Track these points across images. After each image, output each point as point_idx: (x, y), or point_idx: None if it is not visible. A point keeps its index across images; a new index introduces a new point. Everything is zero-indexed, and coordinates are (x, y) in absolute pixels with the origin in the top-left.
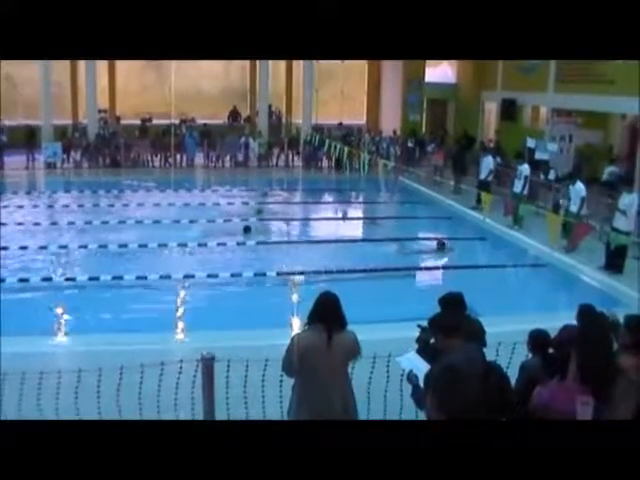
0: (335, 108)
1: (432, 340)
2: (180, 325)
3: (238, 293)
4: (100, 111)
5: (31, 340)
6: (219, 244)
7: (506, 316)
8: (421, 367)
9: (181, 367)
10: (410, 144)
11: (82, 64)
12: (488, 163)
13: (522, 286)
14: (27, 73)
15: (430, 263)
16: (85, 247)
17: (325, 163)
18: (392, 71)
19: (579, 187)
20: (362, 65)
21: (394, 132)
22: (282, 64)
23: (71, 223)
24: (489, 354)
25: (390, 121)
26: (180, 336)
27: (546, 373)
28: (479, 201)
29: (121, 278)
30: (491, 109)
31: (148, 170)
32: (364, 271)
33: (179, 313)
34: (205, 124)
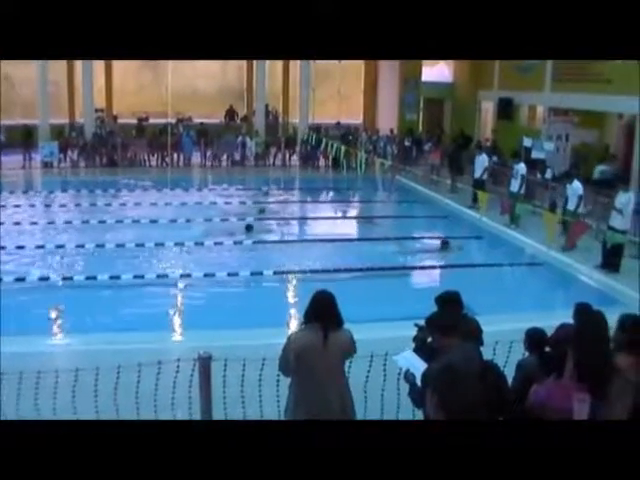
0: (332, 107)
1: (429, 339)
2: (177, 324)
3: (237, 292)
4: (97, 110)
5: (28, 340)
6: (226, 242)
7: (503, 315)
8: (418, 366)
9: (178, 366)
10: (407, 143)
11: (79, 64)
12: (482, 161)
13: (519, 285)
14: (24, 73)
15: (434, 262)
16: (82, 246)
17: (322, 162)
18: (389, 70)
19: (576, 186)
20: (359, 64)
21: (391, 131)
22: (279, 64)
23: (68, 222)
24: (486, 353)
25: (387, 120)
26: (177, 335)
27: (543, 371)
28: (475, 200)
29: (118, 278)
30: (488, 108)
31: (145, 169)
32: (367, 270)
33: (178, 313)
34: (202, 123)
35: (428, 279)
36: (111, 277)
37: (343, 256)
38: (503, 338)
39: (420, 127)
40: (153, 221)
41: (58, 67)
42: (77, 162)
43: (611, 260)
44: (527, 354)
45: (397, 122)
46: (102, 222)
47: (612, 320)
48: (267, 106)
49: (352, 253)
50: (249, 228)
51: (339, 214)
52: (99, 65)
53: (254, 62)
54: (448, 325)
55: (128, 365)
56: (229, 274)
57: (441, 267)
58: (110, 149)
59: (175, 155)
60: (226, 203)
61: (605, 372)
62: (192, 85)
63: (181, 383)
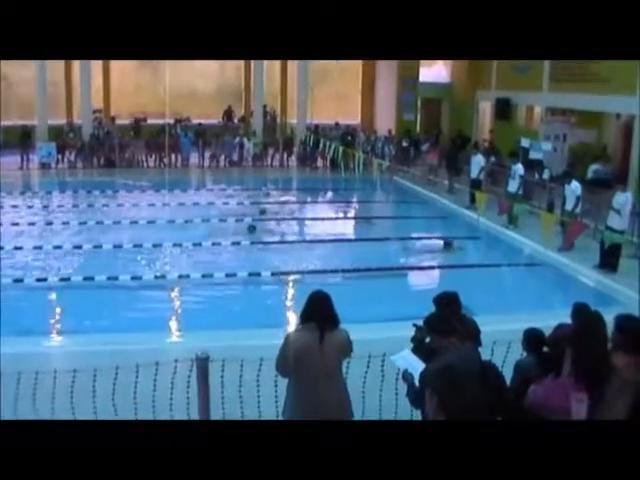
0: (330, 108)
1: (427, 339)
2: (175, 325)
3: (236, 293)
4: (95, 111)
5: (26, 340)
6: (232, 243)
7: (501, 315)
8: (416, 366)
9: (176, 367)
10: (405, 143)
11: (77, 64)
12: (478, 161)
13: (517, 285)
14: (22, 73)
15: (437, 263)
16: (80, 247)
17: (320, 163)
18: (386, 71)
19: (575, 186)
20: (356, 65)
21: (389, 131)
22: (277, 64)
23: (65, 223)
24: (484, 353)
25: (385, 120)
26: (175, 336)
27: (541, 371)
28: (473, 200)
29: (116, 279)
30: (485, 108)
31: (143, 170)
32: (366, 270)
33: (176, 313)
34: (200, 124)
35: (426, 279)
36: (109, 278)
37: (348, 256)
38: (501, 338)
39: (418, 127)
40: (151, 222)
41: (56, 67)
42: (75, 163)
43: (609, 260)
44: (525, 354)
45: (395, 122)
46: (100, 223)
47: (610, 320)
48: (265, 106)
49: (357, 253)
50: (252, 229)
51: (340, 215)
52: (97, 65)
53: (252, 62)
54: (446, 325)
55: (126, 366)
56: (227, 275)
57: (439, 267)
58: (108, 150)
59: (173, 156)
60: (224, 204)
61: (603, 372)
62: (190, 86)
63: (179, 384)
